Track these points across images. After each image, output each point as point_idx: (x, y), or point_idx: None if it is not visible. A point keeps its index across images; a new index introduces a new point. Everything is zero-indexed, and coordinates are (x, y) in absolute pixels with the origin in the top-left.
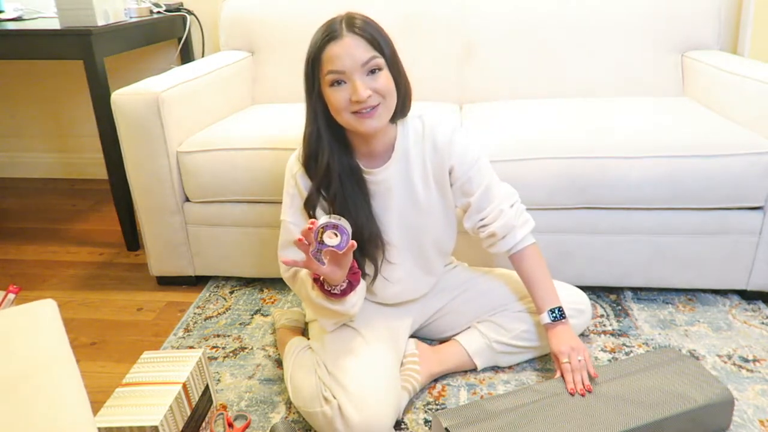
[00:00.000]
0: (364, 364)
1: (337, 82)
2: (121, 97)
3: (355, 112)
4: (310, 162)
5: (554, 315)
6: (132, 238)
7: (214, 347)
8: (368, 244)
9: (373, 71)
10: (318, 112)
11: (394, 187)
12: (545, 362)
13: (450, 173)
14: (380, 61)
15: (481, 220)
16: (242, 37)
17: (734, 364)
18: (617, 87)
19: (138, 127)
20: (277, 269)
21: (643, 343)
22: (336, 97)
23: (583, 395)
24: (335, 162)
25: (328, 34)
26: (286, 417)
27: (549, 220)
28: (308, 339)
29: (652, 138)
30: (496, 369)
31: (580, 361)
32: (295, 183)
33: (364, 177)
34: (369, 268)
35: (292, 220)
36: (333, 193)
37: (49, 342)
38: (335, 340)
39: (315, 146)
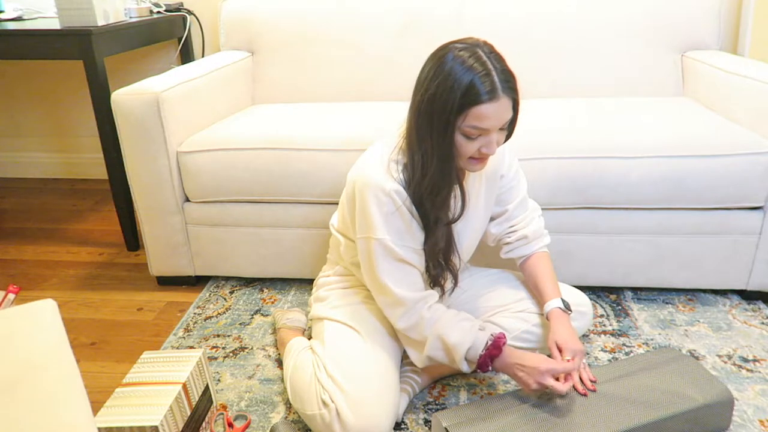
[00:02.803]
0: (364, 366)
1: (475, 136)
2: (121, 97)
3: (472, 157)
4: (424, 191)
5: (565, 303)
6: (132, 238)
7: (214, 347)
8: (451, 261)
9: (503, 127)
10: (449, 151)
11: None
12: None
13: (499, 179)
14: (512, 116)
15: (511, 226)
16: (242, 37)
17: (734, 364)
18: (617, 87)
19: (138, 127)
20: (277, 269)
21: (643, 343)
22: (467, 147)
23: (585, 395)
24: (451, 195)
25: (487, 91)
26: (286, 417)
27: (549, 220)
28: (309, 339)
29: (652, 138)
30: None
31: (582, 363)
32: (393, 201)
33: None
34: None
35: (391, 238)
36: (434, 219)
37: (49, 342)
38: (336, 341)
39: (440, 182)
